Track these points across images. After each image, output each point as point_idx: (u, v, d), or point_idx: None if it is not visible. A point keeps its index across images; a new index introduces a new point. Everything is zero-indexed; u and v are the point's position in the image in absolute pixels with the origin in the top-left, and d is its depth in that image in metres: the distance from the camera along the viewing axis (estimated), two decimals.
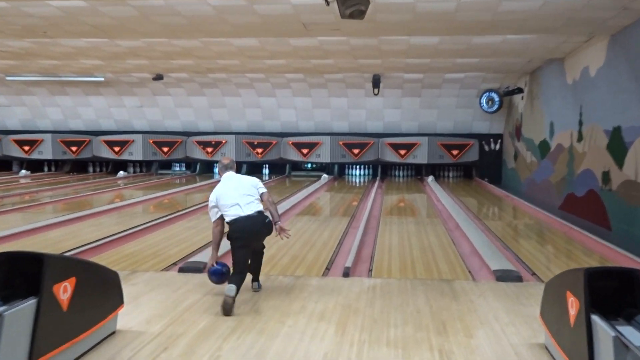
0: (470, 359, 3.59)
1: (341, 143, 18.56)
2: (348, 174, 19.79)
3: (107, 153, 19.73)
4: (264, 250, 5.23)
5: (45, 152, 19.69)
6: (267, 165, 20.14)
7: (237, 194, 4.85)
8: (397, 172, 19.65)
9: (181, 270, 5.82)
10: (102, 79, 16.49)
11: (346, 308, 4.60)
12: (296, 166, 20.11)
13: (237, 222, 4.75)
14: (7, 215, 9.81)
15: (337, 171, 19.38)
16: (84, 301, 3.41)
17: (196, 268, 5.80)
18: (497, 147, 18.06)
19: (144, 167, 20.87)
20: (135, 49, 11.77)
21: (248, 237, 4.75)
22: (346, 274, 5.73)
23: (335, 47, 11.35)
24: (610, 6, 7.62)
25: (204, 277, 5.55)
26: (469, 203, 12.25)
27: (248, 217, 4.74)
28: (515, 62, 13.05)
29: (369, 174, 19.71)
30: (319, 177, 18.02)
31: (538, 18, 8.33)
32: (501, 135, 17.99)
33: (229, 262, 4.94)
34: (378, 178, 18.50)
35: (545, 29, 9.13)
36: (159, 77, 15.91)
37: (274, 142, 18.96)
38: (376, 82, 15.57)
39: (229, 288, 4.44)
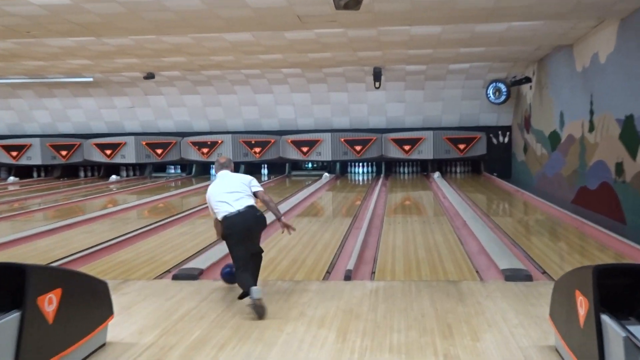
0: None
1: (342, 140, 18.55)
2: (350, 172, 19.78)
3: (98, 157, 19.76)
4: (262, 254, 5.23)
5: (34, 157, 19.73)
6: (265, 165, 20.15)
7: (226, 192, 4.99)
8: (401, 169, 19.64)
9: (175, 277, 5.82)
10: (91, 79, 16.53)
11: (347, 313, 4.59)
12: (296, 165, 20.12)
13: (228, 219, 4.87)
14: None
15: (339, 169, 19.38)
16: (71, 313, 3.41)
17: (190, 275, 5.80)
18: (506, 139, 18.04)
19: (137, 170, 20.90)
20: (124, 47, 11.78)
21: (241, 233, 4.85)
22: (348, 277, 5.72)
23: (332, 40, 11.34)
24: None
25: (198, 284, 5.59)
26: (477, 199, 12.23)
27: (239, 213, 4.86)
28: (522, 50, 13.02)
29: (372, 171, 19.70)
30: (320, 176, 18.01)
31: (544, 3, 8.30)
32: (510, 127, 17.96)
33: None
34: (382, 175, 18.47)
35: (552, 14, 9.10)
36: (150, 76, 15.94)
37: (272, 140, 18.96)
38: (377, 75, 15.56)
39: (255, 291, 4.50)
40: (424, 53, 13.15)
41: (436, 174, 17.36)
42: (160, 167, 20.93)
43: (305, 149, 18.79)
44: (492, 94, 16.60)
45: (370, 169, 19.78)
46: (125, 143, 19.49)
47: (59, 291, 3.27)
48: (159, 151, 19.50)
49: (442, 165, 19.01)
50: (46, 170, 20.90)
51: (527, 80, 15.19)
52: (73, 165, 20.37)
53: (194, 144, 19.31)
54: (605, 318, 2.87)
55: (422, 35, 10.89)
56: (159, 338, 4.11)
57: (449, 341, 3.95)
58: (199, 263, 6.29)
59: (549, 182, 13.31)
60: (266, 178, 18.94)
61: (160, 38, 10.92)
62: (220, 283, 5.62)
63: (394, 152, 18.51)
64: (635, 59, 8.59)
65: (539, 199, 11.45)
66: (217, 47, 12.00)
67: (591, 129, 10.53)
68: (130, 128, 19.81)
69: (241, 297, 4.86)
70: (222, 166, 5.30)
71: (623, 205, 9.08)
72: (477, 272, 5.99)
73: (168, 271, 6.24)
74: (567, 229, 8.60)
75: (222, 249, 6.13)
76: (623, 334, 2.68)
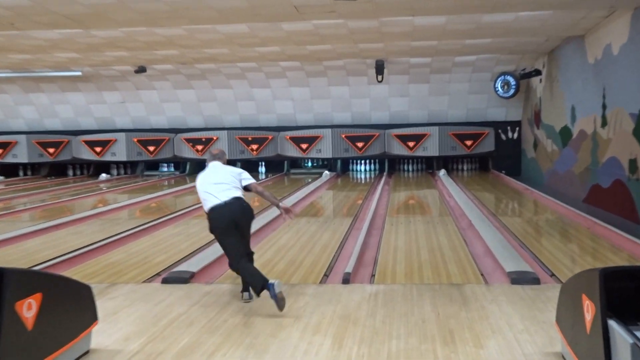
0: None
1: (344, 136, 18.53)
2: (352, 170, 19.77)
3: (87, 154, 19.76)
4: (254, 256, 5.24)
5: (20, 155, 19.73)
6: (263, 163, 20.15)
7: (213, 183, 5.08)
8: (405, 166, 19.63)
9: (164, 281, 5.82)
10: (79, 73, 16.52)
11: (344, 319, 4.58)
12: (295, 163, 20.11)
13: (214, 211, 4.97)
14: None
15: (340, 167, 19.36)
16: (52, 319, 3.40)
17: (181, 278, 5.80)
18: (515, 135, 18.02)
19: (129, 168, 20.92)
20: (114, 39, 11.77)
21: (228, 224, 4.91)
22: (346, 280, 5.71)
23: (332, 31, 11.32)
24: None
25: (189, 288, 5.59)
26: (484, 198, 12.22)
27: (225, 204, 4.94)
28: (531, 42, 13.00)
29: (374, 169, 19.69)
30: (320, 174, 18.01)
31: None
32: (519, 123, 17.94)
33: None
34: (385, 173, 18.46)
35: (562, 3, 9.08)
36: (141, 70, 15.93)
37: (270, 137, 18.95)
38: (380, 68, 15.53)
39: (277, 284, 4.58)
40: (428, 45, 13.13)
41: (442, 172, 17.34)
42: (153, 165, 20.92)
43: (304, 146, 18.77)
44: (501, 87, 16.55)
45: (372, 166, 19.78)
46: (115, 140, 19.48)
47: (39, 296, 3.26)
48: (151, 148, 19.50)
49: (448, 163, 18.99)
50: (33, 169, 20.90)
51: (537, 72, 15.16)
52: (61, 164, 20.36)
53: (188, 140, 19.30)
54: (612, 323, 2.85)
55: (425, 26, 10.87)
56: (145, 345, 4.11)
57: (450, 348, 3.94)
58: (191, 265, 6.29)
59: (560, 179, 13.29)
60: (264, 176, 18.95)
61: (152, 30, 10.91)
62: (213, 287, 5.63)
63: (398, 149, 18.49)
64: None
65: (549, 197, 11.43)
66: (210, 40, 11.99)
67: (604, 124, 10.51)
68: (121, 124, 19.80)
69: (259, 291, 4.75)
70: (214, 157, 5.41)
71: (637, 204, 9.05)
72: (482, 275, 5.98)
73: (158, 274, 6.23)
74: (578, 230, 8.58)
75: (216, 250, 6.14)
76: (630, 340, 2.66)
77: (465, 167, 19.35)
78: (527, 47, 13.78)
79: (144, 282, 5.97)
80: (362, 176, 18.82)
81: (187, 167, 20.16)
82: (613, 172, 10.00)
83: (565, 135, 12.95)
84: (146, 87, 18.44)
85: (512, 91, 16.53)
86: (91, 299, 4.03)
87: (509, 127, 18.08)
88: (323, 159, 19.53)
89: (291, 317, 4.65)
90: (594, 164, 11.05)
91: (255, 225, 8.66)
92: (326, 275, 6.09)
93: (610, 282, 2.94)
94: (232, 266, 5.00)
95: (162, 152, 19.58)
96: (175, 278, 5.82)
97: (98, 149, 19.61)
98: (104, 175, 19.42)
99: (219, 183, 5.06)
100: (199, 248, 7.40)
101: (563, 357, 3.68)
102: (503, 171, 17.40)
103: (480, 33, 11.67)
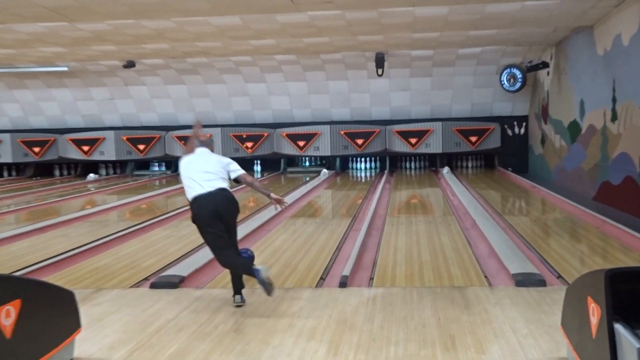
0: None
1: (342, 133, 18.53)
2: (351, 168, 19.78)
3: (74, 153, 19.76)
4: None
5: (4, 154, 19.74)
6: (258, 162, 20.15)
7: (199, 170, 5.10)
8: (407, 164, 19.64)
9: (153, 285, 5.82)
10: (65, 68, 16.51)
11: (341, 324, 4.58)
12: (292, 161, 20.10)
13: (196, 201, 5.00)
14: None
15: (339, 165, 19.36)
16: (32, 326, 3.39)
17: (170, 283, 5.79)
18: (522, 131, 18.01)
19: (118, 168, 20.93)
20: (100, 32, 11.75)
21: (210, 215, 4.93)
22: (343, 283, 5.70)
23: (329, 23, 11.31)
24: None
25: (178, 293, 5.58)
26: (489, 197, 12.22)
27: (209, 194, 4.97)
28: (538, 33, 12.98)
29: (375, 167, 19.71)
30: (318, 173, 18.00)
31: None
32: (526, 118, 17.93)
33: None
34: (386, 171, 18.47)
35: None
36: (130, 65, 15.92)
37: (266, 134, 18.95)
38: (380, 62, 15.52)
39: (263, 269, 4.76)
40: (430, 36, 13.12)
41: (445, 170, 17.35)
42: (143, 165, 20.92)
43: (301, 143, 18.77)
44: (507, 80, 16.54)
45: (372, 164, 19.79)
46: (104, 138, 19.48)
47: (17, 302, 3.25)
48: (142, 147, 19.49)
49: (451, 160, 18.99)
50: (17, 169, 20.90)
51: (545, 65, 15.15)
52: (47, 163, 20.37)
53: (180, 138, 19.26)
54: (618, 327, 2.84)
55: (427, 16, 10.86)
56: (132, 353, 4.10)
57: (451, 354, 3.94)
58: (181, 270, 6.28)
59: (569, 177, 13.29)
60: (259, 175, 18.97)
61: (140, 22, 10.89)
62: (203, 291, 5.62)
63: (399, 146, 18.49)
64: None
65: (557, 195, 11.43)
66: (202, 32, 11.97)
67: (614, 118, 10.51)
68: (109, 122, 19.79)
69: (237, 290, 5.06)
70: (202, 144, 5.44)
71: None
72: (485, 277, 5.98)
73: (146, 279, 6.23)
74: (587, 229, 8.58)
75: (207, 254, 6.11)
76: (637, 344, 2.65)
77: (469, 165, 19.35)
78: (534, 38, 13.77)
79: (132, 287, 5.96)
80: (362, 174, 18.82)
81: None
82: (624, 169, 9.99)
83: (573, 130, 12.95)
84: (135, 83, 18.42)
85: (518, 84, 16.51)
86: (74, 305, 4.02)
87: (515, 123, 18.07)
88: (321, 157, 19.54)
89: (285, 322, 4.65)
90: (603, 160, 11.05)
91: (249, 227, 8.78)
92: (323, 279, 6.08)
93: (617, 284, 2.93)
94: (220, 261, 5.08)
95: (152, 150, 19.57)
96: (164, 283, 5.82)
97: (86, 148, 19.60)
98: (92, 176, 19.39)
99: (205, 172, 5.08)
100: (190, 251, 7.40)
101: None
102: (509, 168, 17.41)
103: (485, 24, 11.66)
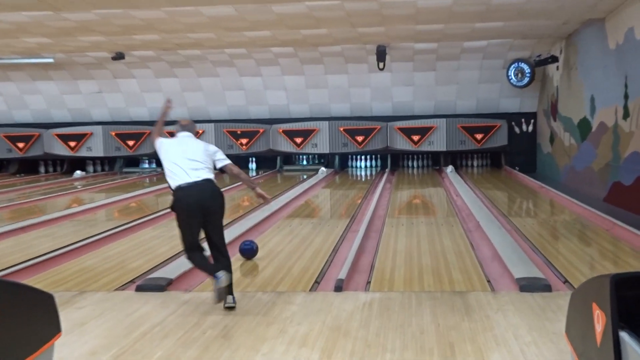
0: None
1: (342, 129, 18.53)
2: (351, 167, 19.78)
3: (60, 149, 19.74)
4: (230, 263, 5.26)
5: None
6: (253, 159, 20.14)
7: (185, 157, 5.10)
8: (409, 163, 19.65)
9: (139, 288, 5.80)
10: (51, 60, 16.49)
11: (335, 330, 4.57)
12: (289, 159, 20.10)
13: (180, 191, 4.99)
14: None
15: (338, 163, 19.35)
16: (7, 331, 3.36)
17: (157, 286, 5.78)
18: (530, 128, 18.00)
19: (106, 165, 20.94)
20: (87, 22, 11.73)
21: (194, 207, 4.95)
22: (338, 287, 5.69)
23: (328, 14, 11.30)
24: None
25: (165, 296, 5.57)
26: (495, 197, 12.23)
27: (195, 184, 4.98)
28: (547, 25, 12.97)
29: (376, 165, 19.71)
30: (316, 171, 18.00)
31: None
32: (534, 114, 17.92)
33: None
34: (387, 170, 18.48)
35: None
36: (119, 56, 15.89)
37: (261, 130, 18.94)
38: (381, 55, 15.51)
39: (223, 278, 4.85)
40: (434, 29, 13.10)
41: (449, 168, 17.35)
42: (132, 161, 20.92)
43: (299, 140, 18.77)
44: (514, 75, 16.53)
45: (373, 162, 19.80)
46: (91, 134, 19.46)
47: None
48: (131, 143, 19.48)
49: (456, 158, 19.00)
50: (0, 165, 20.89)
51: (554, 59, 15.13)
52: (31, 159, 20.35)
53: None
54: (624, 335, 2.82)
55: (430, 7, 10.84)
56: (114, 359, 4.09)
57: None
58: (169, 272, 6.27)
59: (578, 177, 13.28)
60: (254, 173, 18.95)
61: (128, 12, 10.87)
62: (192, 295, 5.61)
63: (401, 144, 18.49)
64: None
65: (566, 196, 11.43)
66: (194, 23, 11.95)
67: (626, 115, 10.50)
68: (97, 116, 19.78)
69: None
70: (184, 128, 5.44)
71: None
72: (488, 281, 5.97)
73: (133, 281, 6.22)
74: (596, 232, 8.57)
75: None
76: None
77: (475, 163, 19.36)
78: (543, 31, 13.76)
79: (117, 289, 5.95)
80: (362, 173, 18.83)
81: None
82: (636, 169, 9.98)
83: (583, 127, 12.94)
84: (125, 76, 18.40)
85: (526, 80, 16.49)
86: (54, 308, 3.98)
87: (523, 120, 18.06)
88: (319, 155, 19.52)
89: (276, 328, 4.64)
90: (615, 160, 11.04)
91: (243, 227, 8.77)
92: (317, 283, 6.07)
93: (623, 290, 2.90)
94: (186, 254, 5.18)
95: (142, 147, 19.56)
96: (150, 285, 5.81)
97: (72, 144, 19.57)
98: (78, 173, 19.39)
99: (191, 159, 5.08)
100: (180, 252, 7.33)
101: None
102: (516, 167, 17.41)
103: (491, 16, 11.65)
